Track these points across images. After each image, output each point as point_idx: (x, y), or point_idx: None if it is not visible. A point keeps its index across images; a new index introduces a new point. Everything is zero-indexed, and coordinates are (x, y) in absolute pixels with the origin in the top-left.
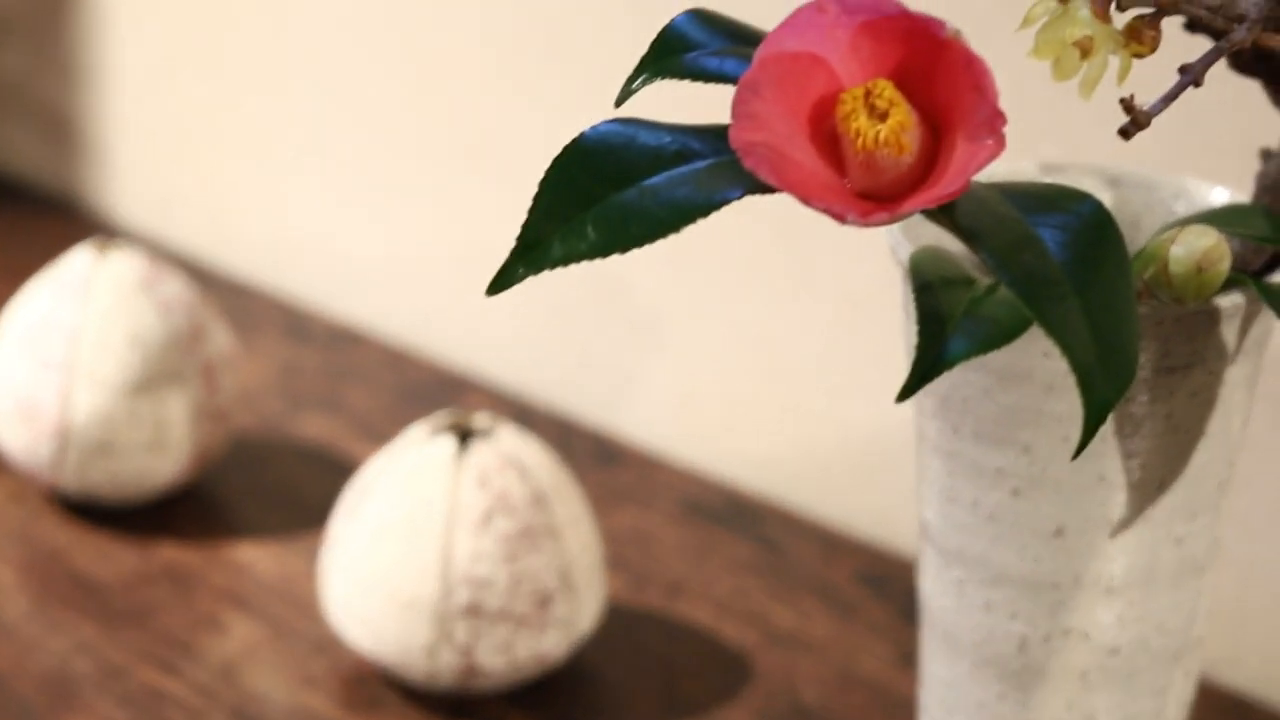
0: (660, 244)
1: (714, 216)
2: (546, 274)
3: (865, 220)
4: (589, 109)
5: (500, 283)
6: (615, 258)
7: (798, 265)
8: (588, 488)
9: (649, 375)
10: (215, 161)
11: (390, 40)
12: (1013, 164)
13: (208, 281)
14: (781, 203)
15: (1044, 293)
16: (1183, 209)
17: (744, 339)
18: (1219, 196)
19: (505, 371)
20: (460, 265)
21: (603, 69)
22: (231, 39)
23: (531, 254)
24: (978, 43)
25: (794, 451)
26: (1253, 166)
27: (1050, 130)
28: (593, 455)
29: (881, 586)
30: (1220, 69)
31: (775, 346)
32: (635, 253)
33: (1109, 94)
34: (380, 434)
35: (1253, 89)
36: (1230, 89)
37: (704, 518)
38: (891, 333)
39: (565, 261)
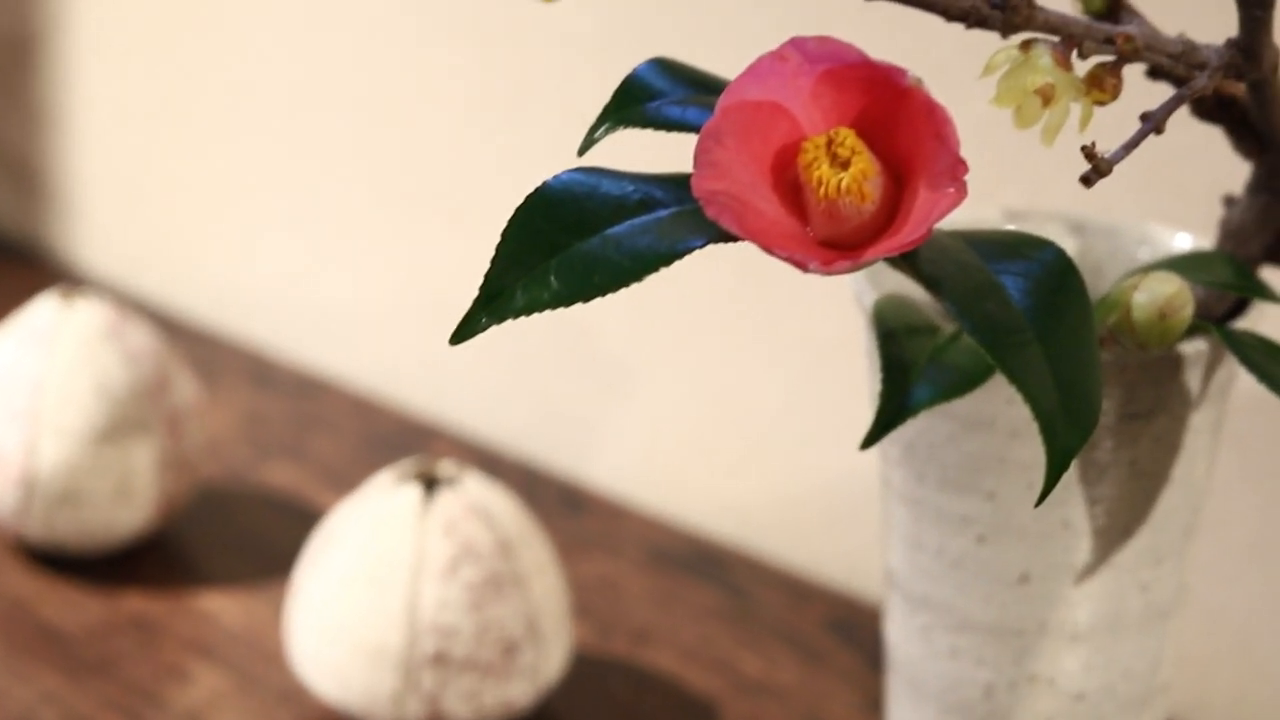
0: (626, 291)
1: (680, 264)
2: (513, 322)
3: (827, 269)
4: (555, 157)
5: (463, 332)
6: (581, 305)
7: (763, 312)
8: (554, 535)
9: (615, 423)
10: (181, 210)
11: (357, 89)
12: (976, 210)
13: (173, 330)
14: (747, 250)
15: (1006, 340)
16: (1146, 255)
17: (710, 386)
18: (1182, 243)
19: (471, 420)
20: (426, 313)
21: (568, 117)
22: (197, 87)
23: (494, 303)
24: (941, 90)
25: (761, 498)
26: (1217, 212)
27: (1015, 176)
28: (559, 503)
29: (849, 634)
30: (1184, 115)
31: (741, 393)
32: (602, 300)
33: (1073, 140)
34: (347, 482)
35: (1217, 135)
36: (1195, 135)
37: (670, 565)
38: (857, 380)
39: (528, 311)
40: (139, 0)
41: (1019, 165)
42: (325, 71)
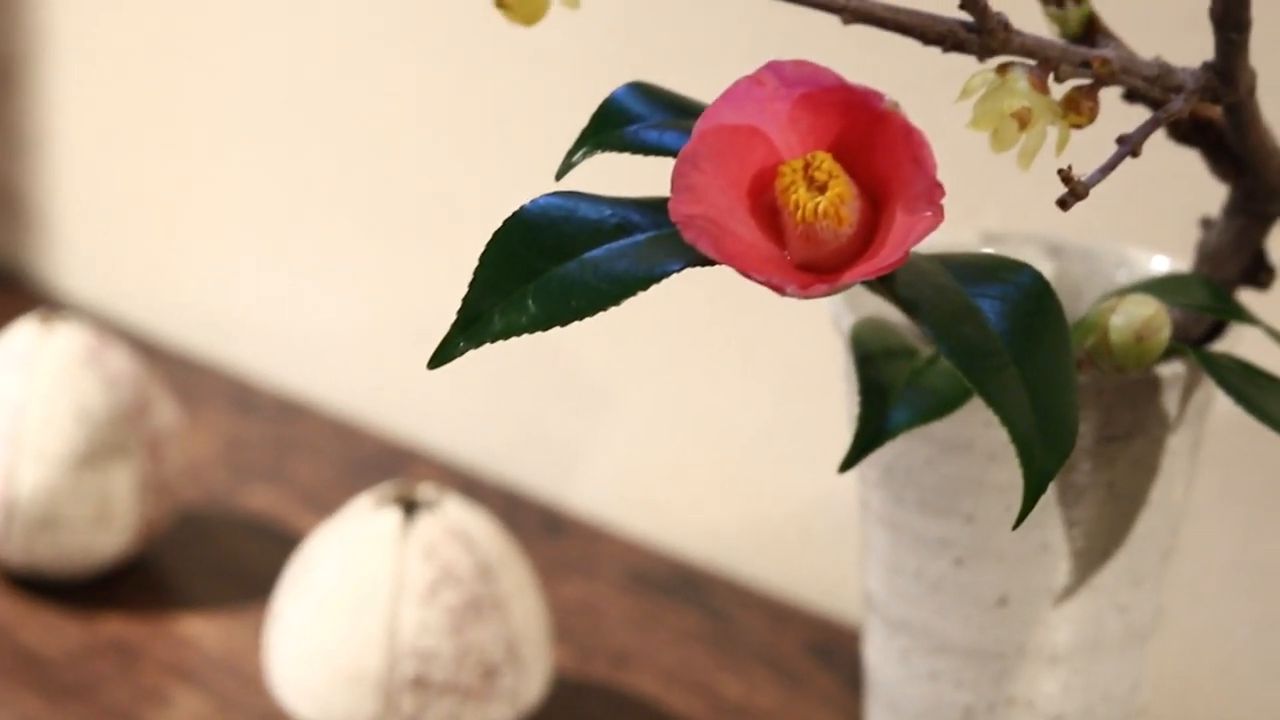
0: (606, 315)
1: (659, 287)
2: (492, 345)
3: (805, 292)
4: (536, 181)
5: (441, 356)
6: (561, 329)
7: (742, 335)
8: (534, 559)
9: (595, 446)
10: (161, 233)
11: (337, 114)
12: (955, 233)
13: (153, 354)
14: (726, 273)
15: (983, 363)
16: (1124, 278)
17: (689, 409)
18: (1160, 265)
19: (452, 443)
20: (406, 337)
21: (549, 141)
22: (178, 112)
23: (472, 327)
24: (920, 113)
25: (741, 521)
26: (1194, 235)
27: (993, 199)
28: (539, 526)
29: (830, 657)
30: (1161, 137)
31: (721, 416)
32: (581, 324)
33: (1051, 163)
34: (327, 506)
35: (1195, 158)
36: (1172, 158)
37: (650, 588)
38: (836, 402)
39: (506, 335)
40: (120, 25)
41: (997, 188)
42: (305, 97)
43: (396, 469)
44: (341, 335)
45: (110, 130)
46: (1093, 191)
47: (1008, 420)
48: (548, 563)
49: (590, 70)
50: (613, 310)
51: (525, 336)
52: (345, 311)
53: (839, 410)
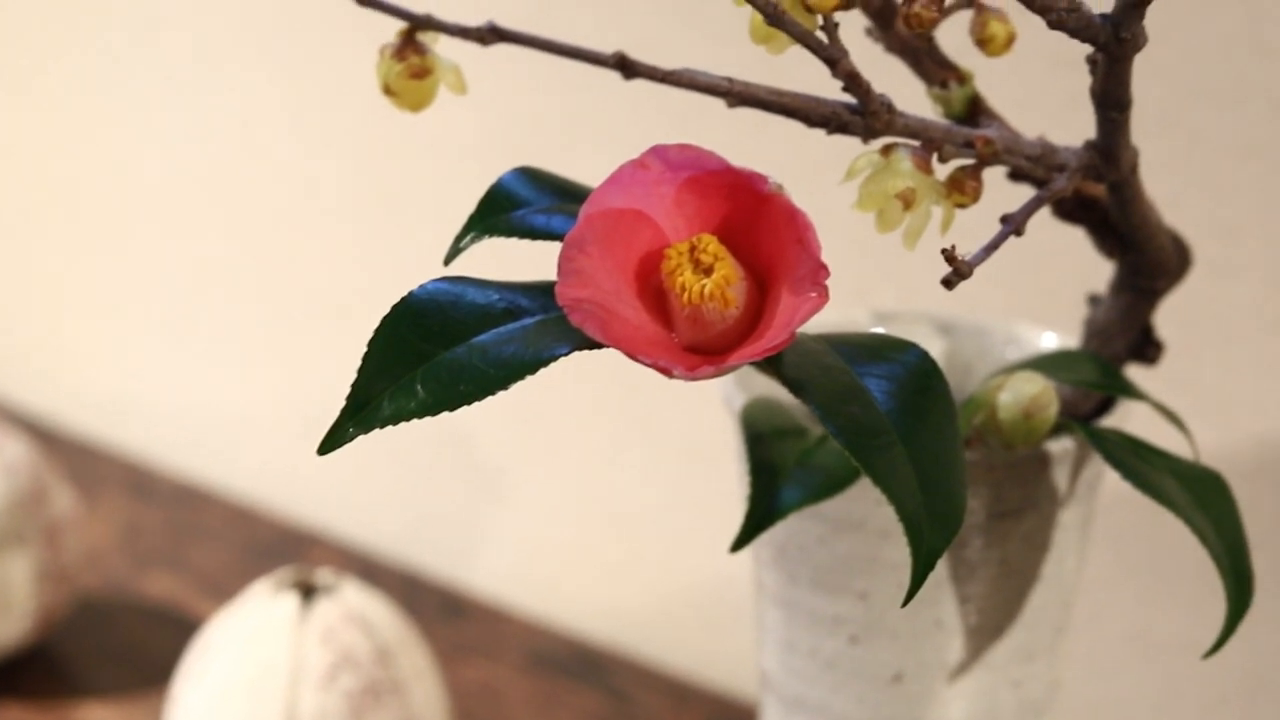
0: (503, 398)
1: (555, 367)
2: (391, 429)
3: (691, 374)
4: (430, 265)
5: (331, 442)
6: (460, 410)
7: (640, 416)
8: (434, 642)
9: (494, 528)
10: (56, 318)
11: (234, 198)
12: (845, 312)
13: (49, 440)
14: (621, 355)
15: (870, 443)
16: (1014, 354)
17: (588, 490)
18: (1049, 342)
19: (350, 527)
20: (303, 421)
21: (443, 225)
22: (72, 194)
23: (361, 413)
24: (814, 193)
25: (640, 601)
26: (1083, 311)
27: (889, 278)
28: (439, 609)
29: None
30: (1050, 214)
31: (619, 497)
32: (478, 406)
33: (942, 242)
34: (226, 591)
35: (1084, 235)
36: (1063, 234)
37: (552, 669)
38: (733, 482)
39: (395, 420)
40: (15, 103)
41: (892, 267)
42: (202, 181)
43: (295, 554)
44: (239, 420)
45: (2, 213)
46: (986, 268)
47: (895, 499)
48: (448, 645)
49: (482, 155)
50: (510, 392)
51: (424, 420)
52: (243, 396)
53: (736, 490)
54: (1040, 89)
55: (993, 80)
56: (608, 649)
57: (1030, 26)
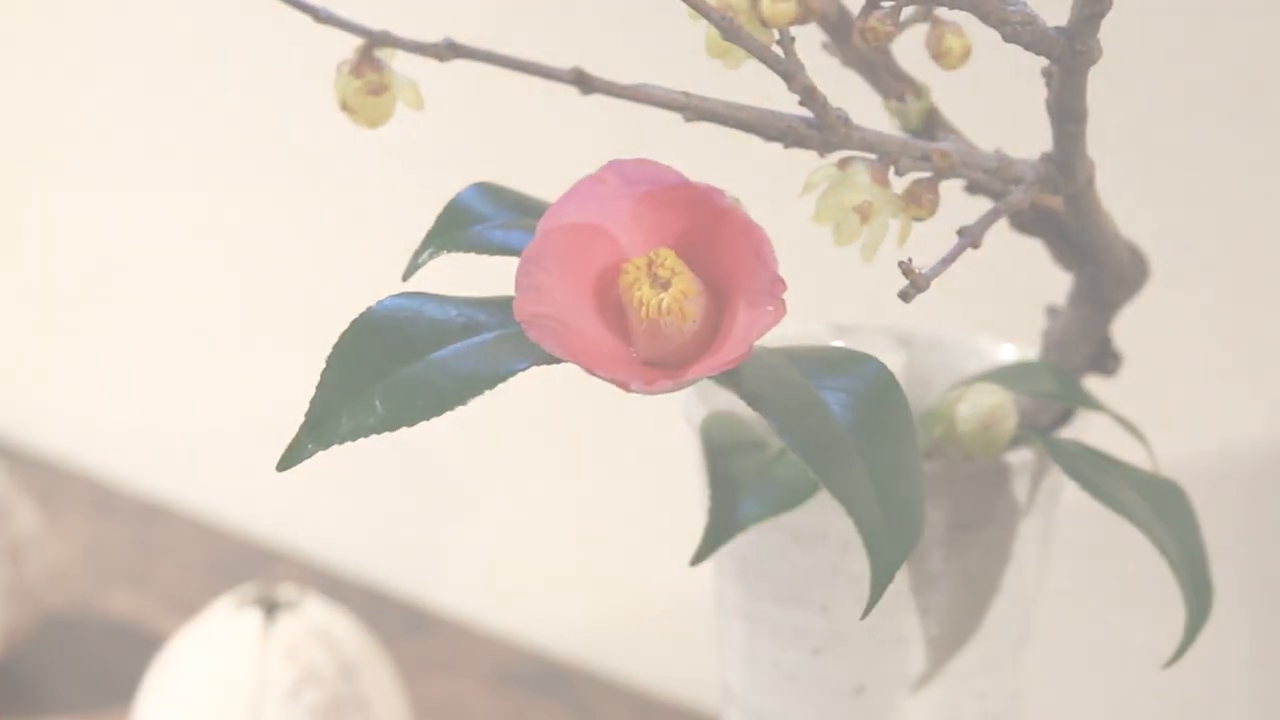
0: (465, 412)
1: (518, 381)
2: (352, 444)
3: (649, 388)
4: (391, 281)
5: (290, 458)
6: (421, 426)
7: (599, 430)
8: (398, 657)
9: (457, 543)
10: (18, 336)
11: (196, 215)
12: (804, 325)
13: (12, 458)
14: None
15: (828, 456)
16: (974, 366)
17: (550, 505)
18: (1008, 354)
19: (313, 543)
20: (266, 437)
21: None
22: (36, 215)
23: (320, 429)
24: (773, 206)
25: (604, 616)
26: (1042, 323)
27: (848, 291)
28: (402, 624)
29: None
30: (1009, 227)
31: (581, 511)
32: (441, 421)
33: (901, 255)
34: (190, 608)
35: (1042, 247)
36: (1022, 246)
37: (516, 685)
38: (695, 495)
39: (354, 436)
40: None
41: (851, 280)
42: (164, 199)
43: (259, 570)
44: (202, 436)
45: None
46: (944, 281)
47: (854, 512)
48: (412, 661)
49: (441, 170)
50: (473, 406)
51: (386, 434)
52: (205, 412)
53: (698, 503)
54: (996, 102)
55: (949, 94)
56: (571, 663)
57: (986, 40)
